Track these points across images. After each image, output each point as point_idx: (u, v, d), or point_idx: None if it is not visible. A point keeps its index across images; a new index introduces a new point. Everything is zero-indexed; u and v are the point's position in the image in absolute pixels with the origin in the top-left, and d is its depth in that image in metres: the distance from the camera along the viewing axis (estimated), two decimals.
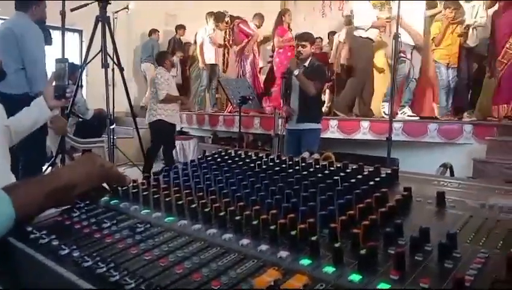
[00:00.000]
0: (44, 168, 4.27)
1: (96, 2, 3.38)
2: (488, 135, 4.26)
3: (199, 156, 1.03)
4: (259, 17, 7.74)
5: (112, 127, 3.78)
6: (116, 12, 6.25)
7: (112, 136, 4.27)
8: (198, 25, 8.52)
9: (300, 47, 4.01)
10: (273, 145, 4.33)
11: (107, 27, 3.43)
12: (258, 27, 7.67)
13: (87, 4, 3.49)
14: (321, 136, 4.76)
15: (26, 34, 3.27)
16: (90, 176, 0.75)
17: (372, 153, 4.85)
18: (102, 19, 3.40)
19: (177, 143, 7.23)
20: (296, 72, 3.82)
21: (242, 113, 4.64)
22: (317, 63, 4.09)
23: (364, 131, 4.88)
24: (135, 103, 9.19)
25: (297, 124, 4.02)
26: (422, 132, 4.60)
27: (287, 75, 3.98)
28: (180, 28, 8.72)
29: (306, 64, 3.99)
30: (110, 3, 3.40)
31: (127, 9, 6.76)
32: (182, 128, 7.50)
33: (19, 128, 1.70)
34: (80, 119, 5.07)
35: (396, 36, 3.90)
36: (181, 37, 8.80)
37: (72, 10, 3.59)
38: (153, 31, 8.70)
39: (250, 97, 4.18)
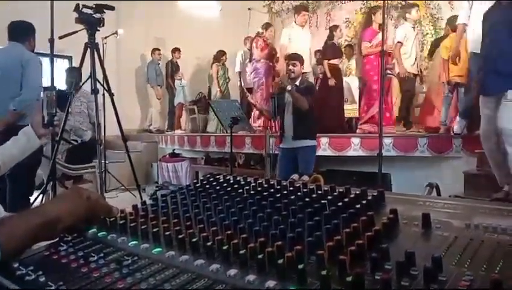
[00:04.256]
0: (35, 195, 4.25)
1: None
2: (477, 147, 4.30)
3: (188, 184, 1.03)
4: (249, 40, 7.82)
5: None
6: (106, 38, 6.30)
7: (103, 161, 4.25)
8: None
9: (291, 66, 4.10)
10: (265, 164, 4.33)
11: (96, 53, 3.45)
12: (250, 49, 7.74)
13: (76, 32, 3.51)
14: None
15: (30, 64, 3.41)
16: (76, 209, 0.75)
17: (365, 169, 4.87)
18: (91, 45, 3.42)
19: (170, 165, 7.23)
20: (289, 88, 3.89)
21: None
22: (306, 83, 4.18)
23: (355, 147, 4.90)
24: (140, 126, 9.26)
25: (292, 141, 4.04)
26: (413, 147, 4.65)
27: (276, 94, 4.04)
28: (175, 50, 8.75)
29: (297, 83, 4.06)
30: (98, 30, 3.42)
31: (116, 35, 6.82)
32: (174, 150, 7.50)
33: (6, 158, 1.69)
34: (71, 145, 5.05)
35: (382, 53, 3.97)
36: (177, 60, 8.84)
37: (60, 38, 3.61)
38: (154, 51, 8.68)
39: (239, 118, 4.20)
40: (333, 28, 6.65)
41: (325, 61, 6.34)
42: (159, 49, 8.72)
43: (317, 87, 6.13)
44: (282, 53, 6.16)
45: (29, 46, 3.59)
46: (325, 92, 6.28)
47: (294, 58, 4.19)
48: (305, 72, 6.03)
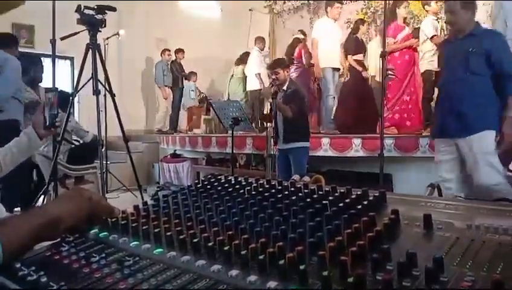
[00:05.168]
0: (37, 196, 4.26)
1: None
2: None
3: (189, 184, 1.03)
4: (261, 40, 7.75)
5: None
6: (107, 38, 6.31)
7: (104, 162, 4.25)
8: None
9: (273, 75, 4.11)
10: (266, 165, 4.34)
11: (97, 54, 3.45)
12: (262, 50, 7.68)
13: (77, 33, 3.52)
14: (315, 154, 4.80)
15: (8, 64, 3.67)
16: (78, 210, 0.75)
17: (366, 170, 4.87)
18: (93, 46, 3.43)
19: (171, 166, 7.24)
20: (270, 99, 3.92)
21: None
22: (292, 88, 4.18)
23: (356, 148, 4.89)
24: (147, 127, 9.25)
25: (284, 143, 4.10)
26: (414, 147, 4.63)
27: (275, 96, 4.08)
28: (179, 51, 8.73)
29: (284, 88, 4.09)
30: (100, 31, 3.43)
31: (117, 36, 6.83)
32: (175, 150, 7.51)
33: (8, 158, 1.70)
34: (73, 146, 5.05)
35: (383, 54, 3.95)
36: (180, 61, 8.81)
37: (61, 39, 3.61)
38: (164, 51, 8.64)
39: (241, 118, 4.21)
40: (359, 22, 6.38)
41: (350, 56, 6.08)
42: (169, 50, 8.68)
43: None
44: (314, 48, 5.91)
45: (12, 53, 3.89)
46: (356, 88, 6.05)
47: (275, 66, 4.18)
48: (336, 68, 5.86)
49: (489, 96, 2.84)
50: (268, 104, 4.16)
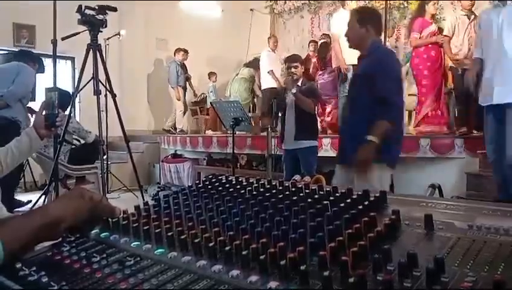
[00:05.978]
0: (37, 196, 4.27)
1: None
2: (480, 148, 4.29)
3: (190, 185, 1.03)
4: (274, 39, 7.71)
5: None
6: (108, 39, 6.32)
7: (105, 162, 4.25)
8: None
9: (292, 68, 4.11)
10: (267, 165, 4.33)
11: (98, 54, 3.46)
12: (274, 48, 7.64)
13: (78, 33, 3.52)
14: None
15: (23, 70, 4.33)
16: (79, 210, 0.75)
17: None
18: (94, 47, 3.44)
19: (172, 166, 7.24)
20: (294, 90, 3.90)
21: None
22: (307, 84, 4.21)
23: None
24: (155, 127, 9.23)
25: (294, 142, 4.07)
26: (415, 148, 4.63)
27: (278, 96, 4.07)
28: (184, 52, 8.67)
29: (299, 83, 4.09)
30: (101, 32, 3.44)
31: (118, 36, 6.82)
32: (176, 151, 7.51)
33: (9, 158, 1.70)
34: (73, 146, 5.05)
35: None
36: (184, 61, 8.74)
37: (62, 39, 3.61)
38: (177, 51, 8.46)
39: (241, 119, 4.21)
40: None
41: None
42: (182, 49, 8.60)
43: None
44: (335, 45, 5.56)
45: (33, 67, 4.54)
46: None
47: (294, 60, 4.20)
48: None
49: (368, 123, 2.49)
50: (274, 103, 4.13)
